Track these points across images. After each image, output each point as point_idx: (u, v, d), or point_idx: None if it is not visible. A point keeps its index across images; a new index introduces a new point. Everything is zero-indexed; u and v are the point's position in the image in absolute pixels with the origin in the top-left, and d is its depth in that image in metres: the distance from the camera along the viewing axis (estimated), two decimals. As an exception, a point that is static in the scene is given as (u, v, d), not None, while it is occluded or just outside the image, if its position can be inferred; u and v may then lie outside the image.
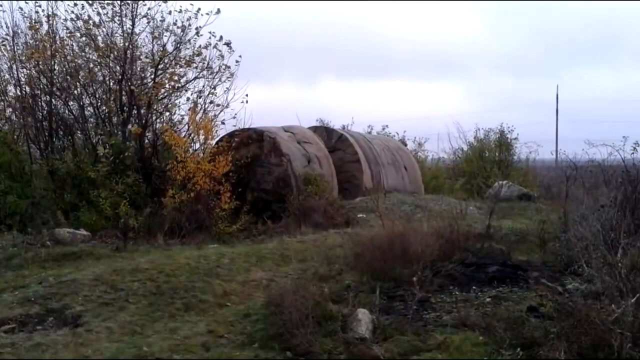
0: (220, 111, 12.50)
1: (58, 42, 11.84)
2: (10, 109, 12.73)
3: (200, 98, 12.33)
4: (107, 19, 11.85)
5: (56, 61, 11.93)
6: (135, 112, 12.02)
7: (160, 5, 11.96)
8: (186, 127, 12.16)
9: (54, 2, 11.88)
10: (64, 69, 12.06)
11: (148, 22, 11.90)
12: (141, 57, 12.15)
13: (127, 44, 11.77)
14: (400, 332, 4.92)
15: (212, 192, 10.58)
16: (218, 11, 11.85)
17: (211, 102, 12.40)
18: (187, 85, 12.36)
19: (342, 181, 13.68)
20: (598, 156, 9.18)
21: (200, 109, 12.27)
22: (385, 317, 5.22)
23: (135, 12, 11.86)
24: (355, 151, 14.26)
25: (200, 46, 12.06)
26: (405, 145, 20.52)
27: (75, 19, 11.81)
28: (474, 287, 6.04)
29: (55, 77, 11.97)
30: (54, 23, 11.90)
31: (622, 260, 5.30)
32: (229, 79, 12.35)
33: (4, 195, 10.31)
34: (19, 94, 12.19)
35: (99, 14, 11.80)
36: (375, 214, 10.14)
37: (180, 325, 5.60)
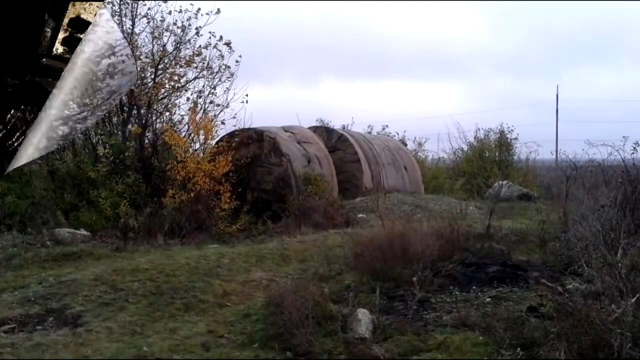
0: (220, 111, 12.55)
1: (58, 42, 11.83)
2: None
3: (200, 98, 12.38)
4: (107, 19, 11.85)
5: (56, 61, 11.92)
6: (135, 112, 12.03)
7: (160, 5, 12.04)
8: (186, 127, 12.20)
9: (53, 1, 11.88)
10: (64, 69, 12.05)
11: (148, 22, 11.95)
12: (141, 57, 12.16)
13: (127, 43, 11.75)
14: (400, 332, 4.92)
15: (212, 192, 10.58)
16: (218, 11, 11.89)
17: (211, 102, 12.44)
18: (187, 85, 12.42)
19: (342, 181, 13.68)
20: (598, 156, 9.21)
21: (200, 109, 12.31)
22: (385, 317, 5.22)
23: (135, 12, 11.91)
24: (355, 151, 14.25)
25: (200, 46, 12.10)
26: (405, 145, 20.51)
27: (75, 19, 11.80)
28: (474, 287, 6.04)
29: (55, 77, 11.96)
30: (54, 23, 11.89)
31: (622, 260, 5.30)
32: (229, 79, 12.41)
33: (3, 196, 10.30)
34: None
35: (98, 13, 11.80)
36: (375, 214, 10.13)
37: (180, 325, 5.60)
